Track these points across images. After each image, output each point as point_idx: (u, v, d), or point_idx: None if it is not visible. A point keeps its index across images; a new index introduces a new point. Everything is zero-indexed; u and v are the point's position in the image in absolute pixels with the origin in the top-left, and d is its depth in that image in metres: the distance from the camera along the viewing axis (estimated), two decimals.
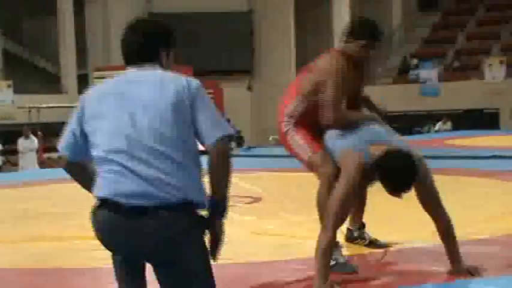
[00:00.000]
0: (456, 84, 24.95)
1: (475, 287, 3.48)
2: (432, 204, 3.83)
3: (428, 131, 23.26)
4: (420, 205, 3.79)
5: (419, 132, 22.81)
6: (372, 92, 20.75)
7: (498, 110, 24.56)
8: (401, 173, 3.48)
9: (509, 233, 4.78)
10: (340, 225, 3.74)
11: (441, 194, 7.00)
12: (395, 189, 3.51)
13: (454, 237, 3.76)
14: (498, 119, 24.67)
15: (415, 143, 15.47)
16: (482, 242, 4.52)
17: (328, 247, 3.47)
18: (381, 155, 3.54)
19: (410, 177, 3.50)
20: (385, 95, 26.08)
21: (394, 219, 5.53)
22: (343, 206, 3.58)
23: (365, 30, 3.99)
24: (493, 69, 24.92)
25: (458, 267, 3.67)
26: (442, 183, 7.84)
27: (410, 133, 21.76)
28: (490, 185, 7.73)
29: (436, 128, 22.69)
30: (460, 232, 4.80)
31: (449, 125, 22.53)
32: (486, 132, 18.82)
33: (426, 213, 3.80)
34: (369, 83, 20.98)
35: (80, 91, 21.99)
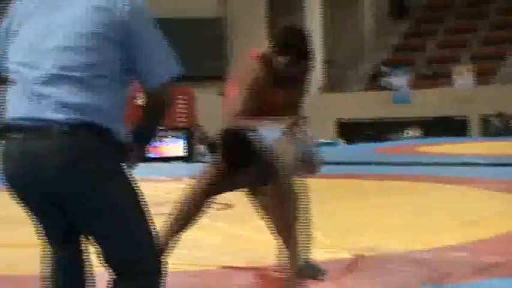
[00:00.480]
0: (426, 92, 25.22)
1: None
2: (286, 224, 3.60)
3: (400, 138, 23.47)
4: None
5: (391, 139, 23.00)
6: (344, 98, 20.96)
7: (467, 118, 24.86)
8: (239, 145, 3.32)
9: (477, 240, 4.85)
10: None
11: (410, 201, 7.09)
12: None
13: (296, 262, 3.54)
14: (467, 127, 24.98)
15: (386, 150, 15.61)
16: (451, 249, 4.58)
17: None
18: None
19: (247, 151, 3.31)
20: (356, 102, 26.35)
21: (365, 226, 5.58)
22: None
23: (290, 47, 3.57)
24: (463, 77, 25.24)
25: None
26: (411, 190, 7.98)
27: (382, 140, 21.93)
28: (459, 192, 7.83)
29: (407, 135, 22.90)
30: (429, 239, 4.89)
31: (420, 132, 22.76)
32: (455, 140, 19.05)
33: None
34: (340, 90, 21.12)
35: None
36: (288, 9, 29.20)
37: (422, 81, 26.94)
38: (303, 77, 3.77)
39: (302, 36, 3.62)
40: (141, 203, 2.25)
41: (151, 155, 16.02)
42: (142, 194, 2.27)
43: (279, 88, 3.65)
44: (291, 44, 3.56)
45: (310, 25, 28.17)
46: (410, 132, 22.81)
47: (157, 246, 2.32)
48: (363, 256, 4.36)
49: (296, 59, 3.56)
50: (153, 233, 2.27)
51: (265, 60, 3.62)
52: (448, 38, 29.22)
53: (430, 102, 24.63)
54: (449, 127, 23.92)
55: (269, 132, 3.45)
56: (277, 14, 28.73)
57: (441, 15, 30.59)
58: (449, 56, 27.66)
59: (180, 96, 21.51)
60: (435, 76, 27.12)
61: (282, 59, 3.53)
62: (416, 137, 22.07)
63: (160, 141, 16.43)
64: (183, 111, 18.53)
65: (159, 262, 2.27)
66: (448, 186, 8.30)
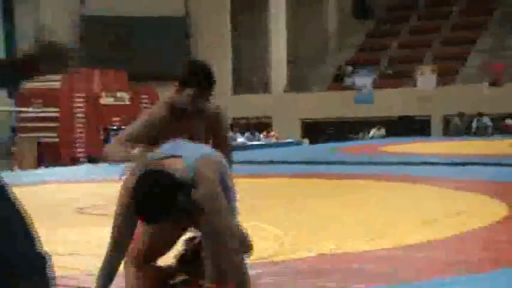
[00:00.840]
0: (389, 92, 25.42)
1: None
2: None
3: (363, 138, 23.63)
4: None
5: (354, 139, 23.14)
6: (308, 99, 20.99)
7: (429, 118, 25.13)
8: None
9: (440, 238, 4.89)
10: None
11: (374, 200, 7.11)
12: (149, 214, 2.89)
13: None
14: (429, 126, 25.24)
15: (350, 150, 15.67)
16: (411, 248, 4.60)
17: None
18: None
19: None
20: (320, 102, 26.45)
21: (335, 224, 5.59)
22: None
23: (193, 77, 3.52)
24: (425, 77, 25.50)
25: None
26: (374, 190, 8.02)
27: (345, 139, 22.06)
28: (421, 190, 7.89)
29: (370, 134, 23.09)
30: (392, 238, 4.91)
31: (383, 131, 22.95)
32: (418, 139, 19.24)
33: None
34: (304, 90, 21.13)
35: (11, 95, 21.47)
36: (251, 10, 29.20)
37: (386, 81, 27.15)
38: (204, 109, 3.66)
39: (205, 68, 3.60)
40: None
41: None
42: None
43: (183, 121, 3.60)
44: (194, 76, 3.56)
45: (274, 24, 28.23)
46: (374, 132, 22.97)
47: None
48: (324, 255, 4.36)
49: (199, 91, 3.54)
50: None
51: (171, 103, 3.61)
52: (411, 38, 29.50)
53: (393, 102, 24.84)
54: (412, 127, 24.16)
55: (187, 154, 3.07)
56: (241, 13, 28.70)
57: (404, 15, 30.87)
58: (412, 56, 27.93)
59: (144, 96, 21.40)
60: (398, 76, 27.35)
61: (186, 91, 3.52)
62: (380, 137, 22.24)
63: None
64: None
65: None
66: (409, 185, 8.37)
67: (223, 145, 3.68)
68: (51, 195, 8.26)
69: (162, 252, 3.33)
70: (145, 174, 2.91)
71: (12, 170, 16.40)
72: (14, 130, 21.14)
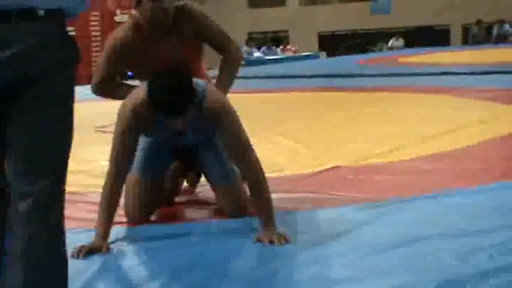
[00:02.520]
0: (407, 1, 24.91)
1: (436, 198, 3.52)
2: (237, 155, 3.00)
3: (381, 49, 23.33)
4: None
5: (372, 51, 22.85)
6: (323, 11, 20.63)
7: (448, 27, 24.69)
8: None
9: (462, 147, 4.87)
10: None
11: (394, 112, 7.08)
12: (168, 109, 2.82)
13: (264, 198, 2.95)
14: (449, 36, 24.83)
15: (369, 62, 15.52)
16: (435, 157, 4.58)
17: None
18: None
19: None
20: (336, 14, 26.04)
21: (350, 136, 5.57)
22: None
23: None
24: None
25: (262, 234, 2.88)
26: (394, 101, 7.95)
27: (363, 51, 21.79)
28: (443, 101, 7.81)
29: (389, 44, 22.75)
30: (411, 149, 4.89)
31: (401, 42, 22.60)
32: (437, 49, 18.96)
33: None
34: (320, 3, 20.69)
35: None
36: None
37: None
38: None
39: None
40: None
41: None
42: None
43: (157, 42, 3.27)
44: None
45: None
46: (392, 42, 22.61)
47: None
48: (340, 166, 4.35)
49: None
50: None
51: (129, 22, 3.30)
52: None
53: (411, 12, 24.38)
54: (431, 37, 23.77)
55: None
56: None
57: None
58: None
59: None
60: None
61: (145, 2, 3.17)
62: (399, 47, 21.93)
63: None
64: None
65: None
66: (431, 96, 8.28)
67: (228, 56, 3.35)
68: None
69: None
70: (164, 70, 2.86)
71: None
72: None
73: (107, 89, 3.35)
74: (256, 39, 23.25)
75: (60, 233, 1.96)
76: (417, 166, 4.32)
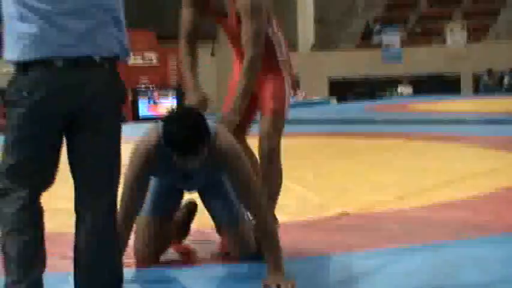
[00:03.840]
0: (418, 50, 25.08)
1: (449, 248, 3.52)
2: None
3: (391, 96, 23.42)
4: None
5: (382, 97, 22.94)
6: (334, 57, 20.78)
7: (459, 75, 24.79)
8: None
9: (468, 197, 4.85)
10: None
11: (403, 159, 7.08)
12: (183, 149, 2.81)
13: (273, 242, 2.95)
14: (459, 84, 24.92)
15: (378, 108, 15.54)
16: (442, 207, 4.58)
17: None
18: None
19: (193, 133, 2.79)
20: (348, 60, 26.22)
21: (357, 184, 5.58)
22: None
23: None
24: (455, 35, 25.10)
25: (269, 279, 2.87)
26: (404, 149, 7.97)
27: (373, 98, 21.87)
28: (452, 149, 7.82)
29: (399, 91, 22.80)
30: (421, 197, 4.89)
31: (410, 88, 22.68)
32: (448, 97, 19.04)
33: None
34: (332, 49, 20.87)
35: None
36: None
37: (414, 38, 26.77)
38: None
39: None
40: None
41: (146, 114, 16.04)
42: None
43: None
44: None
45: None
46: (402, 90, 22.70)
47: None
48: (348, 214, 4.35)
49: None
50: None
51: None
52: None
53: (422, 60, 24.52)
54: (442, 85, 23.86)
55: None
56: None
57: None
58: (442, 12, 27.45)
59: (172, 56, 21.37)
60: (427, 33, 26.95)
61: None
62: (408, 94, 22.00)
63: (158, 100, 16.48)
64: (175, 71, 18.42)
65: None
66: (440, 143, 8.30)
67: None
68: None
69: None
70: (177, 111, 2.92)
71: None
72: None
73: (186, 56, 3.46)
74: None
75: (115, 237, 2.52)
76: (426, 215, 4.32)
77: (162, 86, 17.64)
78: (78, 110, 2.38)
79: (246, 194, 2.98)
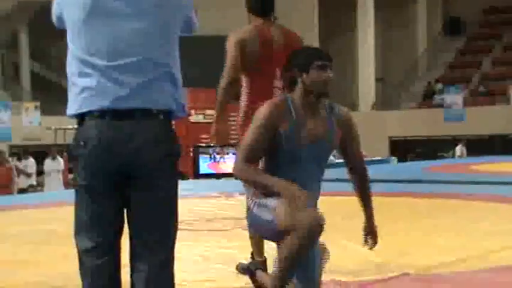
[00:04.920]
0: (481, 110, 24.82)
1: None
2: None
3: (453, 156, 23.12)
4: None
5: (443, 157, 22.66)
6: (395, 116, 20.77)
7: None
8: None
9: None
10: None
11: (466, 221, 6.93)
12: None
13: (368, 191, 3.84)
14: None
15: (439, 168, 15.32)
16: (505, 271, 4.47)
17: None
18: None
19: None
20: (409, 119, 26.09)
21: (417, 244, 5.51)
22: None
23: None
24: None
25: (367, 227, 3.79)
26: (465, 209, 7.83)
27: (434, 158, 21.63)
28: None
29: (458, 153, 22.44)
30: (485, 260, 4.79)
31: (464, 149, 22.33)
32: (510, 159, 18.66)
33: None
34: (393, 108, 20.91)
35: None
36: (340, 26, 29.18)
37: (477, 98, 26.54)
38: None
39: None
40: None
41: (207, 171, 16.21)
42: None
43: None
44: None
45: (362, 43, 28.09)
46: (460, 149, 22.29)
47: None
48: (409, 274, 4.29)
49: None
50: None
51: None
52: (505, 55, 28.74)
53: (485, 120, 24.22)
54: (505, 146, 23.46)
55: None
56: (329, 31, 28.71)
57: (497, 32, 30.10)
58: (506, 73, 27.19)
59: (232, 113, 21.64)
60: (490, 93, 26.68)
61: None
62: (462, 156, 21.64)
63: (219, 158, 16.63)
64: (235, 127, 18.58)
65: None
66: (503, 205, 8.13)
67: None
68: None
69: None
70: None
71: None
72: None
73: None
74: None
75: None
76: (488, 278, 4.23)
77: (225, 144, 17.82)
78: (129, 159, 2.42)
79: (358, 147, 3.54)
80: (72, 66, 2.53)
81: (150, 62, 2.47)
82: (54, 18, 2.65)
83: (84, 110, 2.45)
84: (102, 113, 2.42)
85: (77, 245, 2.53)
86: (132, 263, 2.51)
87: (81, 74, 2.47)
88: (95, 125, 2.42)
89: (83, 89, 2.46)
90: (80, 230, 2.52)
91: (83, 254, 2.51)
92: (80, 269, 2.53)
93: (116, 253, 2.53)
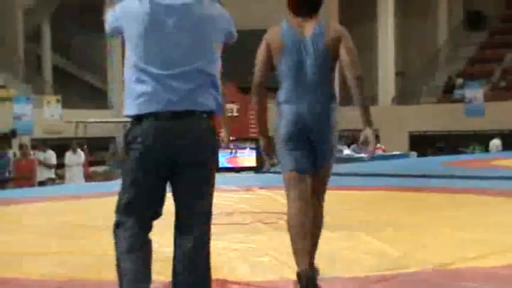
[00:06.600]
0: (502, 104, 24.62)
1: None
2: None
3: (473, 151, 22.97)
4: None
5: (463, 152, 22.53)
6: (415, 111, 20.68)
7: None
8: None
9: None
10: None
11: (483, 215, 6.92)
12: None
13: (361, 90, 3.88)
14: None
15: (459, 163, 15.22)
16: None
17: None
18: None
19: None
20: (429, 114, 25.95)
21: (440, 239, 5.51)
22: None
23: None
24: None
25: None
26: (485, 204, 7.82)
27: (455, 153, 21.50)
28: None
29: (494, 147, 22.13)
30: (504, 255, 4.78)
31: (499, 142, 22.13)
32: None
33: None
34: (413, 103, 20.78)
35: None
36: (360, 19, 29.07)
37: (498, 93, 26.33)
38: None
39: None
40: None
41: (225, 165, 16.23)
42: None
43: None
44: None
45: (382, 36, 27.96)
46: (496, 143, 22.03)
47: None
48: (431, 269, 4.31)
49: None
50: None
51: None
52: None
53: (506, 114, 24.03)
54: None
55: None
56: (349, 23, 28.57)
57: None
58: None
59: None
60: (511, 88, 26.45)
61: None
62: (497, 149, 21.40)
63: (235, 151, 16.63)
64: (254, 122, 18.61)
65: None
66: None
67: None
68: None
69: None
70: None
71: None
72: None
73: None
74: (347, 137, 23.39)
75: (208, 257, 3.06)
76: (508, 274, 4.23)
77: (240, 137, 17.86)
78: (180, 152, 2.95)
79: (349, 51, 3.80)
80: (129, 73, 2.98)
81: (196, 70, 2.96)
82: (108, 28, 3.12)
83: (143, 111, 2.93)
84: (156, 115, 2.91)
85: (116, 222, 3.03)
86: (178, 232, 3.01)
87: (138, 81, 2.94)
88: (150, 125, 2.92)
89: (140, 94, 2.93)
90: (121, 207, 3.02)
91: (119, 228, 3.01)
92: (116, 243, 3.01)
93: (148, 230, 3.04)
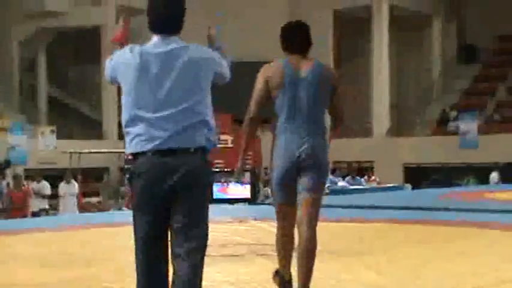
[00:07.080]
0: (496, 137, 24.71)
1: None
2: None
3: (468, 184, 22.99)
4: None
5: (458, 185, 22.54)
6: (409, 143, 20.72)
7: None
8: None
9: None
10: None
11: (477, 248, 6.92)
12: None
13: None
14: None
15: (454, 196, 15.24)
16: None
17: None
18: None
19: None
20: (423, 146, 26.02)
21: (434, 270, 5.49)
22: None
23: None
24: None
25: None
26: (479, 237, 7.80)
27: (450, 185, 21.51)
28: None
29: (494, 180, 22.10)
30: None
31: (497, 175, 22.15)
32: None
33: None
34: (407, 135, 20.85)
35: (121, 137, 22.32)
36: (355, 53, 29.28)
37: (492, 125, 26.44)
38: None
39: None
40: None
41: (218, 196, 16.13)
42: None
43: None
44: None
45: (377, 69, 28.14)
46: (494, 176, 22.02)
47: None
48: None
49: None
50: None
51: None
52: None
53: (500, 147, 24.11)
54: None
55: None
56: (344, 57, 28.79)
57: (511, 59, 30.03)
58: None
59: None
60: (505, 121, 26.58)
61: None
62: (496, 182, 21.39)
63: (227, 182, 16.54)
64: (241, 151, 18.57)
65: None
66: None
67: None
68: None
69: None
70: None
71: (121, 209, 16.98)
72: (123, 171, 21.86)
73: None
74: (341, 169, 23.42)
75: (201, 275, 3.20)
76: None
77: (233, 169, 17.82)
78: (176, 184, 3.15)
79: (337, 97, 4.26)
80: (125, 117, 3.25)
81: (186, 110, 3.19)
82: (106, 76, 3.42)
83: (139, 150, 3.21)
84: (152, 152, 3.17)
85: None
86: (173, 250, 3.19)
87: (133, 124, 3.21)
88: (146, 161, 3.19)
89: (135, 136, 3.21)
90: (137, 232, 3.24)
91: (139, 245, 3.22)
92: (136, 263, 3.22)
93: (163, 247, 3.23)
